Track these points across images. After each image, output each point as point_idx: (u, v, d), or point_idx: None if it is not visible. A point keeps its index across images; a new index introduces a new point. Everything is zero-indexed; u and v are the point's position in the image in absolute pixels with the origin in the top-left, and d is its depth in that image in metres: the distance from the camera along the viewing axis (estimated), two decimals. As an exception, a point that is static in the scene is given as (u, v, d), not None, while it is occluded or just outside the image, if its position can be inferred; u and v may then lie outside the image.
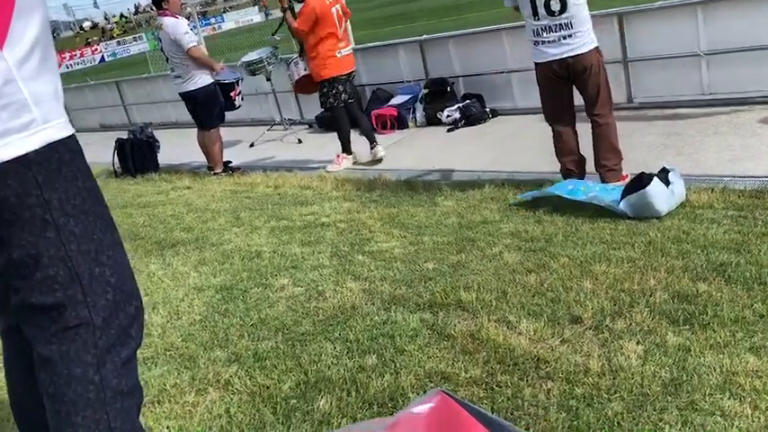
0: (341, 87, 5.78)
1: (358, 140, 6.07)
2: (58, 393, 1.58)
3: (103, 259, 1.63)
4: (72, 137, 1.61)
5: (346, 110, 5.87)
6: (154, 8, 6.72)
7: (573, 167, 4.15)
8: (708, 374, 2.17)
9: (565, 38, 3.87)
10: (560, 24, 3.85)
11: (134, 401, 1.69)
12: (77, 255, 1.58)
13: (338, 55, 5.71)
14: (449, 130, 6.56)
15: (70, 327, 1.58)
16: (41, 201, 1.52)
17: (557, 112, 4.15)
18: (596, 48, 3.93)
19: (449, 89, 6.93)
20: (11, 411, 1.93)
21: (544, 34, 3.92)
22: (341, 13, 5.71)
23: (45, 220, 1.53)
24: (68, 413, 1.57)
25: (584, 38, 3.87)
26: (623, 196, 3.57)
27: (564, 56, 3.90)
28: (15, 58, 1.48)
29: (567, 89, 4.08)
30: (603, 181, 4.02)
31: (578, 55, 3.88)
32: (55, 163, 1.55)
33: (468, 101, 6.71)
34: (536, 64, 4.09)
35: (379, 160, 5.89)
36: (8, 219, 1.51)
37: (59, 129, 1.58)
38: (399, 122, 7.04)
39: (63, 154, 1.57)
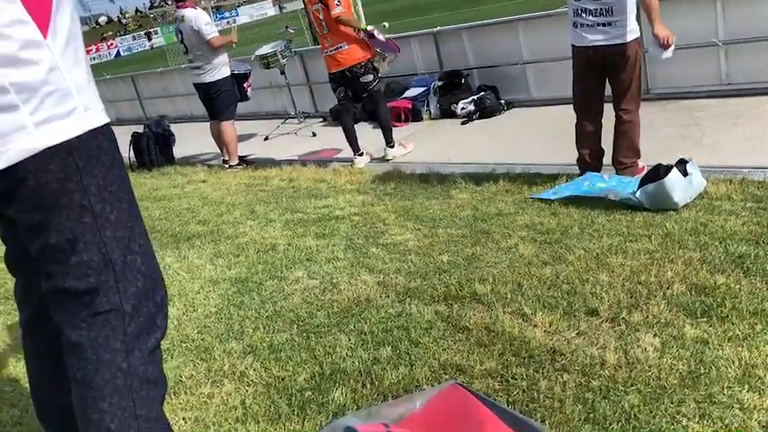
0: (333, 85, 5.79)
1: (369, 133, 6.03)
2: (86, 379, 1.59)
3: (135, 247, 1.66)
4: (108, 125, 1.65)
5: (345, 109, 5.88)
6: (170, 2, 6.75)
7: (590, 159, 4.10)
8: (726, 367, 2.15)
9: (603, 24, 3.75)
10: (601, 9, 3.73)
11: (159, 390, 1.70)
12: (112, 241, 1.60)
13: (323, 53, 5.71)
14: (463, 123, 6.53)
15: (100, 312, 1.59)
16: (80, 186, 1.55)
17: (585, 101, 4.05)
18: (636, 39, 3.80)
19: (463, 81, 6.89)
20: (31, 401, 1.95)
21: (584, 16, 3.81)
22: (320, 12, 5.51)
23: (83, 205, 1.56)
24: (95, 399, 1.58)
25: (624, 27, 3.73)
26: (640, 186, 3.54)
27: (601, 44, 3.78)
28: (58, 46, 1.52)
29: (600, 78, 3.95)
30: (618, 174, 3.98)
31: (616, 45, 3.75)
32: (94, 150, 1.58)
33: (482, 93, 6.66)
34: (573, 46, 3.98)
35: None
36: (48, 203, 1.53)
37: (98, 116, 1.62)
38: (413, 115, 7.02)
39: (102, 141, 1.61)
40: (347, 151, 6.02)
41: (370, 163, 5.83)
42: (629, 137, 3.95)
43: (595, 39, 3.80)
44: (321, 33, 5.63)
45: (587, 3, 3.78)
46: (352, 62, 5.54)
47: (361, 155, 5.88)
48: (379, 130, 5.88)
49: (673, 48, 3.70)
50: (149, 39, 53.86)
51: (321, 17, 5.52)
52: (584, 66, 3.95)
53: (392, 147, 5.82)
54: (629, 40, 3.76)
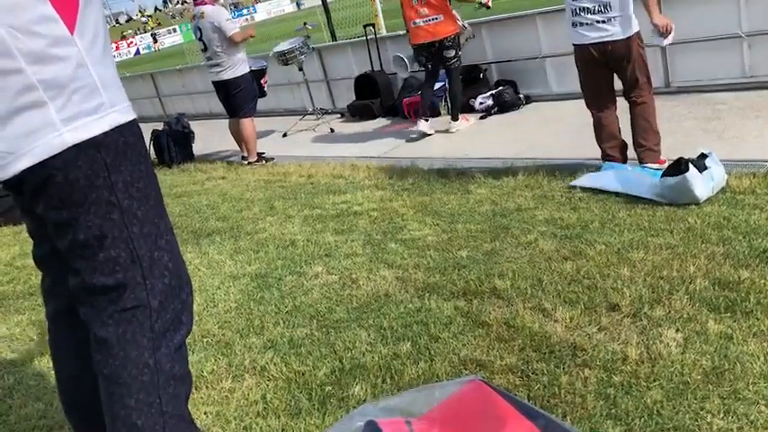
0: (421, 59, 6.13)
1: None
2: (113, 375, 1.60)
3: (162, 243, 1.66)
4: (135, 121, 1.66)
5: (429, 76, 6.26)
6: (188, 0, 6.80)
7: (614, 153, 4.07)
8: (751, 363, 2.12)
9: (603, 22, 3.79)
10: (600, 6, 3.77)
11: (185, 387, 1.70)
12: (139, 237, 1.61)
13: (412, 25, 5.94)
14: (482, 118, 6.50)
15: (127, 308, 1.60)
16: (108, 183, 1.56)
17: (596, 97, 4.07)
18: (636, 33, 3.82)
19: (481, 76, 6.86)
20: (56, 395, 1.98)
21: (583, 14, 3.85)
22: None
23: (111, 202, 1.57)
24: (122, 395, 1.60)
25: (623, 23, 3.77)
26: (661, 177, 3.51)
27: (601, 41, 3.82)
28: (85, 42, 1.54)
29: (607, 73, 3.99)
30: (641, 162, 3.95)
31: (616, 41, 3.79)
32: (121, 146, 1.59)
33: (501, 87, 6.63)
34: (574, 46, 4.02)
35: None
36: (76, 200, 1.54)
37: (125, 112, 1.62)
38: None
39: (128, 137, 1.61)
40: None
41: (390, 157, 5.84)
42: (644, 118, 3.94)
43: (596, 36, 3.83)
44: (411, 5, 5.87)
45: (585, 1, 3.82)
46: (444, 34, 5.84)
47: (427, 120, 6.24)
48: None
49: (672, 35, 3.77)
50: (155, 41, 53.82)
51: None
52: (588, 63, 3.98)
53: (456, 120, 6.24)
54: (628, 34, 3.79)
